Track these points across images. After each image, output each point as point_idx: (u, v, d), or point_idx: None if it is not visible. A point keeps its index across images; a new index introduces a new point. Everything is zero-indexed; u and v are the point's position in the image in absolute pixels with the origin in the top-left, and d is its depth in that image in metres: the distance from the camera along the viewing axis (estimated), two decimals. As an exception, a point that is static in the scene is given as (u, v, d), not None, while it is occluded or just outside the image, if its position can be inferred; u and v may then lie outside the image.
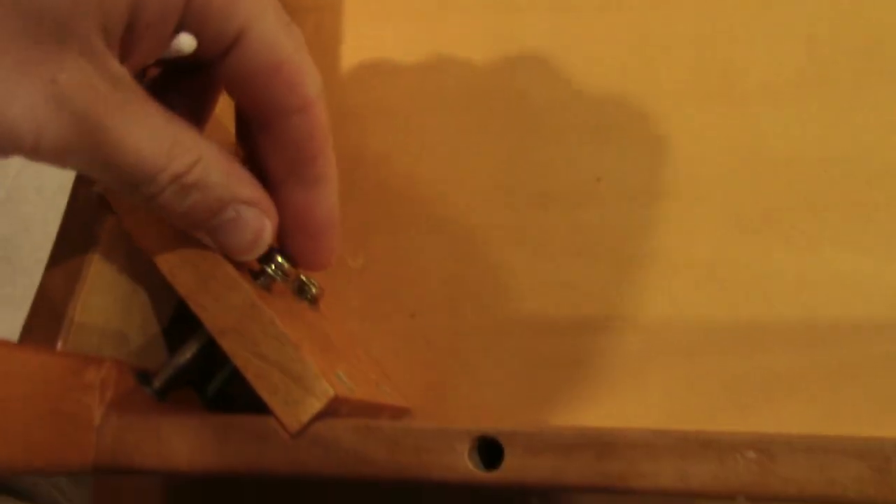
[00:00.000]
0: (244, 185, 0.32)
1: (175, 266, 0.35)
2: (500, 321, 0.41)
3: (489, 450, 0.32)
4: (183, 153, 0.30)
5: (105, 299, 0.36)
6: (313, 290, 0.40)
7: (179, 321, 0.40)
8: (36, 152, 0.27)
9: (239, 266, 0.36)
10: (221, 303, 0.34)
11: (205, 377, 0.41)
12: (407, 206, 0.43)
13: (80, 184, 0.37)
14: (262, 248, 0.34)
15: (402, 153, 0.44)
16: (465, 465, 0.31)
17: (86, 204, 0.36)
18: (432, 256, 0.42)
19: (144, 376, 0.36)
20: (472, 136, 0.43)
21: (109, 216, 0.36)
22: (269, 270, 0.36)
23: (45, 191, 1.37)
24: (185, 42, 0.31)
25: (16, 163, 1.39)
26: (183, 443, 0.33)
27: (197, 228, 0.33)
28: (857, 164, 0.39)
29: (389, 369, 0.41)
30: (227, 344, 0.34)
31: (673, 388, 0.38)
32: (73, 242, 0.36)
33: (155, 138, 0.29)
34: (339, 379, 0.35)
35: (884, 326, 0.37)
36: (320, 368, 0.33)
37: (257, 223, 0.33)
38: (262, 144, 0.35)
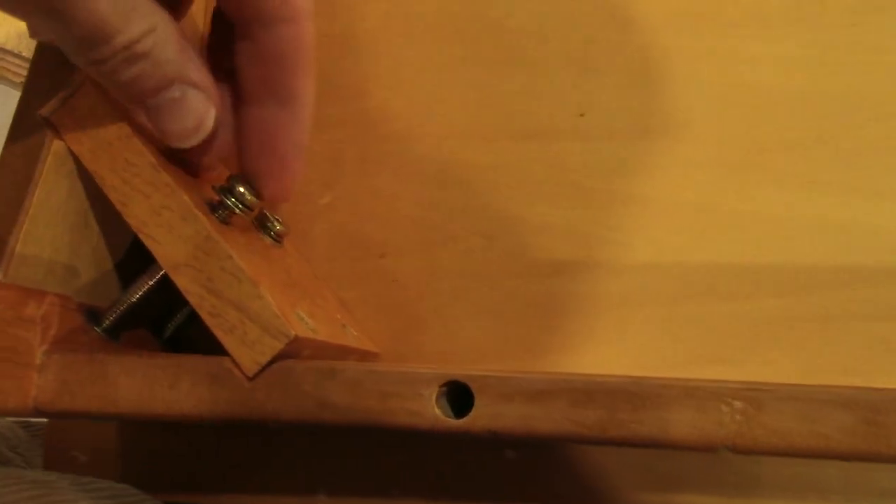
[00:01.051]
0: (194, 67, 0.31)
1: (126, 195, 0.33)
2: (475, 263, 0.38)
3: (458, 396, 0.30)
4: (139, 19, 0.29)
5: (51, 230, 0.33)
6: (277, 227, 0.37)
7: (135, 255, 0.38)
8: None
9: (195, 197, 0.33)
10: (175, 235, 0.32)
11: (162, 317, 0.39)
12: (378, 141, 0.41)
13: (25, 106, 0.34)
14: (201, 136, 0.32)
15: (374, 85, 0.41)
16: (432, 412, 0.29)
17: (30, 127, 0.34)
18: (404, 194, 0.40)
19: (93, 314, 0.34)
20: (448, 68, 0.40)
21: (56, 139, 0.34)
22: (229, 202, 0.34)
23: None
24: None
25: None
26: (131, 385, 0.30)
27: (137, 103, 0.31)
28: (849, 103, 0.37)
29: (357, 312, 0.39)
30: (181, 280, 0.32)
31: (654, 336, 0.36)
32: (15, 167, 0.33)
33: (111, 2, 0.28)
34: (301, 319, 0.33)
35: (873, 271, 0.35)
36: (280, 307, 0.31)
37: (202, 108, 0.31)
38: (239, 53, 0.33)
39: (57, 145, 0.34)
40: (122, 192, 0.33)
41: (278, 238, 0.37)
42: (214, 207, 0.34)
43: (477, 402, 0.29)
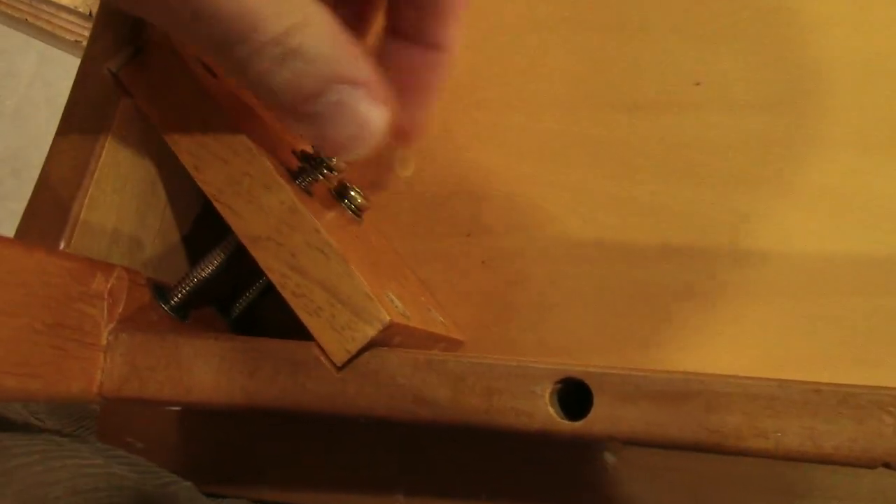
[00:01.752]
0: (355, 63, 0.27)
1: (201, 159, 0.29)
2: (575, 245, 0.35)
3: (572, 395, 0.26)
4: (290, 11, 0.25)
5: (117, 196, 0.30)
6: (358, 200, 0.34)
7: (203, 226, 0.35)
8: None
9: (278, 163, 0.30)
10: (255, 205, 0.29)
11: (230, 295, 0.36)
12: (468, 109, 0.37)
13: (91, 61, 0.31)
14: (367, 147, 0.27)
15: (464, 47, 0.38)
16: (545, 412, 0.26)
17: (97, 84, 0.31)
18: (495, 168, 0.36)
19: (161, 290, 0.31)
20: (549, 30, 0.37)
21: (124, 98, 0.31)
22: (314, 169, 0.30)
23: (56, 102, 1.32)
24: None
25: (27, 73, 1.34)
26: (207, 370, 0.27)
27: (291, 113, 0.27)
28: None
29: (440, 295, 0.36)
30: (261, 255, 0.29)
31: (779, 333, 0.32)
32: (80, 129, 0.30)
33: None
34: (392, 301, 0.29)
35: None
36: (373, 288, 0.28)
37: (366, 112, 0.27)
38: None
39: (125, 104, 0.31)
40: (197, 157, 0.30)
41: (359, 212, 0.34)
42: (296, 174, 0.30)
43: (596, 402, 0.26)
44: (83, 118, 0.30)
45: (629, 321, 0.34)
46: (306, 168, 0.30)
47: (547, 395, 0.26)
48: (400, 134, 0.32)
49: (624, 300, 0.34)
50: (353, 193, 0.34)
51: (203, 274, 0.31)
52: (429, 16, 0.31)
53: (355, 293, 0.28)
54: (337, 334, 0.28)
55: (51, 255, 0.25)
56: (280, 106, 0.27)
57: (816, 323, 0.32)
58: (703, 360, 0.33)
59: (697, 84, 0.35)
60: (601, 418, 0.26)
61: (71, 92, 0.31)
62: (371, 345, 0.27)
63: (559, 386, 0.26)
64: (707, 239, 0.34)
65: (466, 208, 0.36)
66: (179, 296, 0.31)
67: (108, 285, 0.28)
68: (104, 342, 0.27)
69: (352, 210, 0.34)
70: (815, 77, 0.34)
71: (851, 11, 0.34)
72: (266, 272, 0.29)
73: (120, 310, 0.28)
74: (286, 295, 0.28)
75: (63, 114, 0.31)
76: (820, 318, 0.32)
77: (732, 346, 0.33)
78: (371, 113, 0.27)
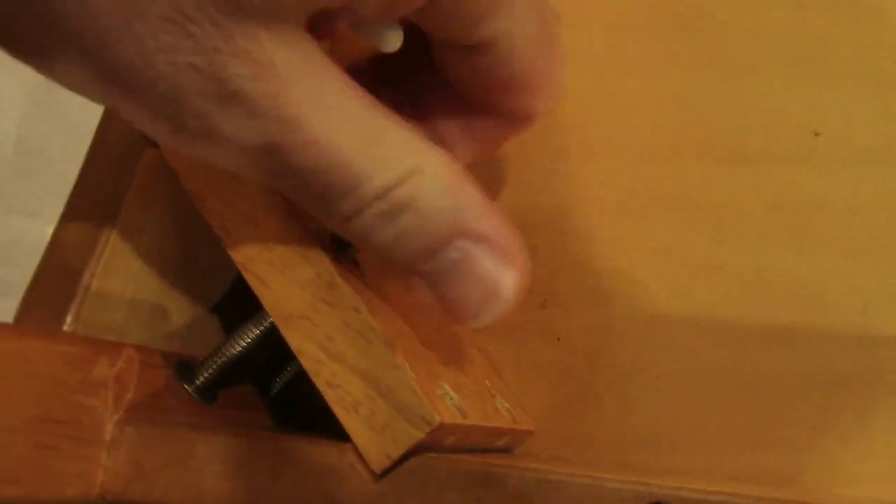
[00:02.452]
0: (479, 212, 0.23)
1: (230, 220, 0.26)
2: (665, 321, 0.30)
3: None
4: (397, 158, 0.22)
5: (137, 262, 0.27)
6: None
7: (242, 293, 0.31)
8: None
9: (319, 227, 0.26)
10: (289, 277, 0.25)
11: (269, 370, 0.31)
12: (543, 156, 0.32)
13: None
14: (496, 311, 0.23)
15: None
16: (628, 546, 0.21)
17: (119, 134, 0.27)
18: (573, 228, 0.31)
19: (185, 368, 0.27)
20: (641, 69, 0.32)
21: (149, 149, 0.27)
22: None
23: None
24: (391, 38, 0.23)
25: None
26: (222, 474, 0.23)
27: (407, 270, 0.23)
28: None
29: (508, 376, 0.31)
30: (293, 335, 0.25)
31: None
32: (98, 183, 0.27)
33: (358, 135, 0.21)
34: (446, 395, 0.25)
35: None
36: (422, 382, 0.23)
37: (493, 271, 0.23)
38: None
39: (150, 156, 0.27)
40: (225, 218, 0.26)
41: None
42: (341, 244, 0.26)
43: (692, 536, 0.21)
44: (102, 171, 0.27)
45: (728, 416, 0.28)
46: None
47: (630, 524, 0.21)
48: (536, 106, 0.27)
49: (723, 390, 0.29)
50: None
51: (233, 351, 0.27)
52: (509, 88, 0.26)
53: (400, 386, 0.23)
54: (376, 435, 0.23)
55: (43, 339, 0.21)
56: (397, 266, 0.23)
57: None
58: (821, 469, 0.27)
59: (816, 134, 0.29)
60: (698, 557, 0.21)
61: (92, 142, 0.28)
62: (417, 449, 0.23)
63: (646, 512, 0.21)
64: (826, 320, 0.28)
65: (541, 275, 0.31)
66: (206, 375, 0.27)
67: (115, 370, 0.24)
68: (108, 437, 0.24)
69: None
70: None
71: None
72: (298, 356, 0.24)
73: (129, 396, 0.24)
74: (320, 385, 0.24)
75: (83, 166, 0.27)
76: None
77: (856, 452, 0.27)
78: (500, 272, 0.22)
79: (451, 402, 0.25)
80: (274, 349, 0.28)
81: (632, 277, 0.31)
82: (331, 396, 0.24)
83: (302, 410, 0.31)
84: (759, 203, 0.30)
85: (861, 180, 0.29)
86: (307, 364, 0.24)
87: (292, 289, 0.25)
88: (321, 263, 0.24)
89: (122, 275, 0.26)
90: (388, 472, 0.23)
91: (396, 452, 0.23)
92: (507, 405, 0.29)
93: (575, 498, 0.21)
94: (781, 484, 0.28)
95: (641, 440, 0.29)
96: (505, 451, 0.29)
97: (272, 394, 0.31)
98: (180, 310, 0.28)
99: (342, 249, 0.26)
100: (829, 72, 0.30)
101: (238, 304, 0.30)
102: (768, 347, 0.29)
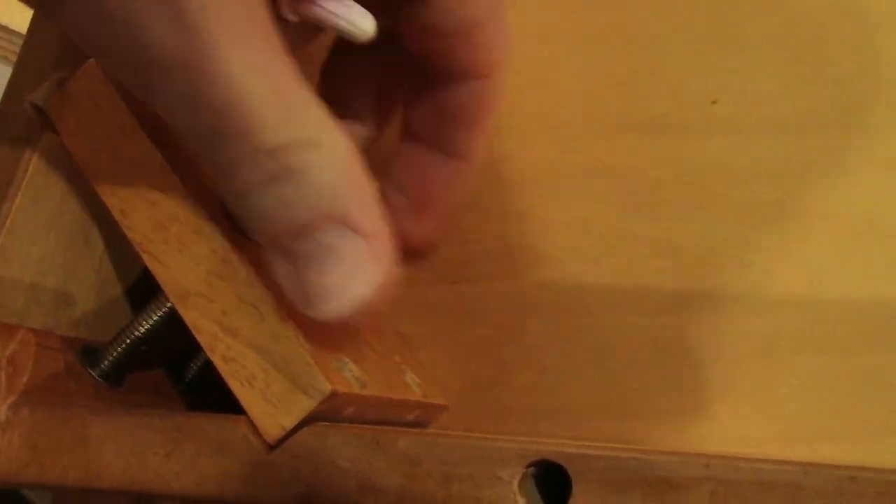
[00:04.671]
0: (364, 205, 0.22)
1: (128, 202, 0.26)
2: (577, 292, 0.30)
3: (551, 479, 0.22)
4: (301, 124, 0.21)
5: (37, 247, 0.27)
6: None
7: (149, 279, 0.31)
8: None
9: (216, 206, 0.26)
10: (185, 255, 0.25)
11: (182, 356, 0.31)
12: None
13: (13, 91, 0.28)
14: (347, 308, 0.22)
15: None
16: (514, 503, 0.21)
17: (18, 116, 0.27)
18: (482, 204, 0.32)
19: (91, 353, 0.27)
20: (546, 43, 0.32)
21: (48, 134, 0.27)
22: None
23: None
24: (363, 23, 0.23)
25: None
26: (117, 453, 0.23)
27: (272, 243, 0.22)
28: None
29: (422, 353, 0.31)
30: (189, 313, 0.25)
31: (816, 396, 0.27)
32: (-4, 169, 0.27)
33: (271, 89, 0.20)
34: (343, 366, 0.25)
35: None
36: (315, 352, 0.24)
37: (362, 268, 0.22)
38: (412, 97, 0.27)
39: (48, 140, 0.27)
40: (123, 199, 0.26)
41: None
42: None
43: (576, 491, 0.21)
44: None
45: (637, 381, 0.29)
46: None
47: (516, 483, 0.21)
48: (408, 245, 0.28)
49: (634, 358, 0.29)
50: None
51: (137, 333, 0.27)
52: (452, 123, 0.27)
53: (293, 358, 0.23)
54: (271, 407, 0.23)
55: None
56: (260, 230, 0.22)
57: (858, 383, 0.26)
58: (723, 431, 0.28)
59: (714, 103, 0.30)
60: (584, 512, 0.21)
61: (-10, 129, 0.28)
62: (311, 419, 0.23)
63: (532, 470, 0.22)
64: (729, 284, 0.29)
65: (452, 252, 0.32)
66: (109, 359, 0.27)
67: (8, 351, 0.24)
68: (2, 419, 0.23)
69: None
70: (855, 90, 0.28)
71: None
72: (194, 333, 0.24)
73: (25, 379, 0.24)
74: (215, 360, 0.24)
75: (-20, 154, 0.27)
76: (862, 376, 0.26)
77: (758, 413, 0.27)
78: (365, 272, 0.22)
79: (349, 373, 0.25)
80: (185, 334, 0.28)
81: (543, 250, 0.31)
82: (226, 371, 0.24)
83: (215, 396, 0.31)
84: (665, 172, 0.30)
85: (760, 147, 0.29)
86: (203, 340, 0.24)
87: (188, 266, 0.25)
88: (215, 239, 0.25)
89: (20, 261, 0.26)
90: (281, 442, 0.23)
91: (290, 423, 0.23)
92: (417, 380, 0.29)
93: (463, 458, 0.21)
94: (686, 447, 0.28)
95: (556, 410, 0.30)
96: (417, 425, 0.29)
97: (186, 380, 0.31)
98: (86, 296, 0.28)
99: (239, 225, 0.26)
100: (726, 41, 0.30)
101: (148, 288, 0.30)
102: (676, 314, 0.29)
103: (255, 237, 0.23)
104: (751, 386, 0.28)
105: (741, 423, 0.28)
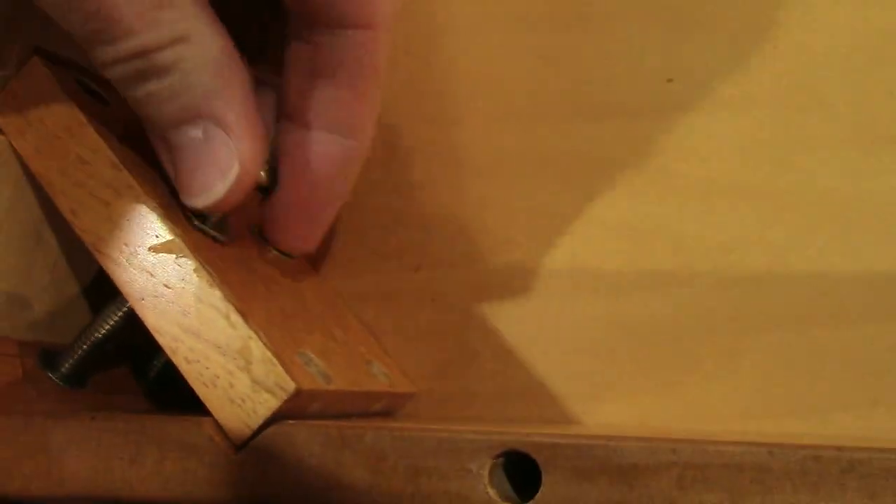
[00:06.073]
0: (233, 101, 0.23)
1: (78, 201, 0.25)
2: (539, 276, 0.30)
3: (520, 469, 0.22)
4: (165, 22, 0.22)
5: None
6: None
7: (105, 277, 0.30)
8: None
9: (170, 203, 0.25)
10: (141, 255, 0.24)
11: (144, 353, 0.31)
12: (411, 123, 0.32)
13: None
14: (218, 201, 0.23)
15: (404, 53, 0.33)
16: (484, 495, 0.21)
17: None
18: (444, 191, 0.32)
19: (49, 357, 0.27)
20: (499, 29, 0.32)
21: (-6, 135, 0.26)
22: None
23: None
24: None
25: None
26: (80, 459, 0.23)
27: (154, 134, 0.24)
28: None
29: (387, 341, 0.31)
30: (148, 315, 0.24)
31: (782, 372, 0.27)
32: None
33: None
34: (308, 361, 0.25)
35: None
36: (278, 348, 0.23)
37: (228, 162, 0.23)
38: (287, 55, 0.26)
39: (-3, 141, 0.26)
40: (72, 198, 0.25)
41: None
42: (199, 215, 0.26)
43: (545, 480, 0.21)
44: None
45: (606, 363, 0.29)
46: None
47: (486, 474, 0.21)
48: (283, 244, 0.28)
49: (598, 339, 0.29)
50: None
51: (97, 335, 0.27)
52: (333, 86, 0.25)
53: (256, 356, 0.23)
54: (236, 408, 0.23)
55: None
56: (143, 121, 0.24)
57: (824, 358, 0.27)
58: (690, 409, 0.28)
59: (669, 81, 0.30)
60: (552, 500, 0.21)
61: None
62: (277, 417, 0.23)
63: (500, 460, 0.22)
64: (691, 262, 0.29)
65: (413, 238, 0.32)
66: (69, 362, 0.27)
67: (-38, 361, 0.23)
68: (-41, 430, 0.23)
69: (278, 249, 0.29)
70: (806, 67, 0.29)
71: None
72: (154, 335, 0.24)
73: (-18, 388, 0.24)
74: (178, 362, 0.24)
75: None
76: (828, 351, 0.27)
77: (725, 390, 0.28)
78: (233, 166, 0.23)
79: (314, 368, 0.25)
80: (146, 332, 0.28)
81: (504, 235, 0.31)
82: (189, 372, 0.24)
83: (179, 392, 0.30)
84: (623, 154, 0.30)
85: (715, 126, 0.29)
86: (164, 342, 0.24)
87: (144, 267, 0.24)
88: (172, 239, 0.24)
89: (-28, 265, 0.26)
90: (247, 443, 0.23)
91: (256, 422, 0.23)
92: (384, 370, 0.29)
93: (429, 451, 0.21)
94: (652, 428, 0.28)
95: (521, 393, 0.30)
96: (385, 414, 0.29)
97: (149, 377, 0.31)
98: (41, 297, 0.28)
99: (198, 220, 0.26)
100: (680, 20, 0.30)
101: (107, 287, 0.29)
102: (639, 294, 0.29)
103: (141, 122, 0.24)
104: (714, 363, 0.28)
105: (706, 399, 0.28)
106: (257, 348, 0.23)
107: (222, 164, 0.23)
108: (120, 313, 0.27)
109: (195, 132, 0.23)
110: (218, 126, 0.23)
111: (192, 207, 0.24)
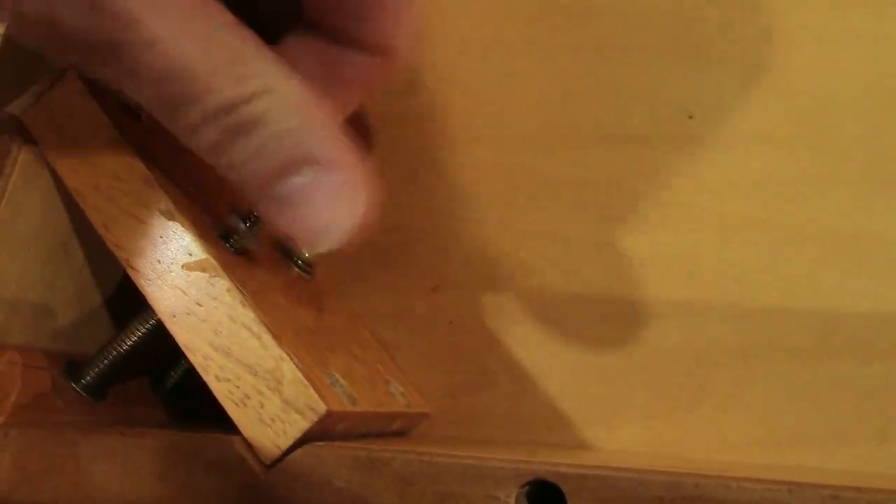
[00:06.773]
0: (326, 139, 0.22)
1: (111, 217, 0.25)
2: (554, 302, 0.31)
3: (545, 496, 0.22)
4: (246, 75, 0.21)
5: (17, 261, 0.26)
6: (306, 254, 0.30)
7: (128, 289, 0.31)
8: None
9: (202, 220, 0.26)
10: (174, 273, 0.25)
11: (163, 363, 0.31)
12: (431, 145, 0.33)
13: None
14: (339, 237, 0.22)
15: (425, 75, 0.33)
16: (511, 522, 0.22)
17: (-5, 128, 0.27)
18: (461, 212, 0.32)
19: (73, 367, 0.27)
20: (520, 54, 0.32)
21: (27, 145, 0.27)
22: (243, 226, 0.26)
23: None
24: None
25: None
26: (110, 474, 0.23)
27: (257, 195, 0.22)
28: None
29: (403, 360, 0.32)
30: (179, 332, 0.25)
31: (790, 405, 0.28)
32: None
33: (206, 47, 0.21)
34: (335, 383, 0.25)
35: None
36: (308, 370, 0.24)
37: (344, 197, 0.22)
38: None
39: (28, 153, 0.27)
40: (105, 214, 0.25)
41: (308, 268, 0.30)
42: (229, 232, 0.26)
43: (571, 509, 0.22)
44: (-25, 171, 0.26)
45: (619, 389, 0.30)
46: (239, 225, 0.26)
47: (512, 502, 0.22)
48: (386, 47, 0.26)
49: (612, 365, 0.30)
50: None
51: (121, 348, 0.27)
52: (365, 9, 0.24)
53: (287, 377, 0.23)
54: (266, 427, 0.23)
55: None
56: (239, 184, 0.22)
57: (832, 391, 0.28)
58: (701, 437, 0.29)
59: (690, 117, 0.30)
60: (578, 529, 0.22)
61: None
62: (307, 438, 0.23)
63: (526, 489, 0.22)
64: (704, 293, 0.29)
65: (430, 258, 0.32)
66: (93, 373, 0.27)
67: (-5, 373, 0.24)
68: (-10, 441, 0.23)
69: (299, 267, 0.30)
70: (820, 107, 0.29)
71: (865, 29, 0.29)
72: (185, 352, 0.24)
73: (13, 399, 0.24)
74: (209, 380, 0.24)
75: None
76: (836, 385, 0.28)
77: (734, 419, 0.28)
78: (347, 199, 0.22)
79: (340, 389, 0.25)
80: (166, 342, 0.28)
81: (521, 260, 0.31)
82: (220, 391, 0.24)
83: (197, 403, 0.31)
84: (641, 184, 0.31)
85: (733, 160, 0.30)
86: (195, 360, 0.24)
87: (177, 284, 0.25)
88: (205, 258, 0.24)
89: (1, 276, 0.26)
90: (277, 462, 0.23)
91: (286, 443, 0.23)
92: (401, 389, 0.30)
93: (457, 478, 0.22)
94: (665, 455, 0.29)
95: (534, 418, 0.30)
96: (400, 433, 0.30)
97: (167, 387, 0.31)
98: (66, 307, 0.28)
99: (229, 241, 0.26)
100: (698, 56, 0.31)
101: (129, 298, 0.29)
102: (654, 322, 0.30)
103: (244, 194, 0.23)
104: (724, 392, 0.29)
105: (717, 427, 0.29)
106: (289, 369, 0.23)
107: (340, 201, 0.22)
108: (145, 327, 0.27)
109: (300, 179, 0.22)
110: (320, 164, 0.22)
111: (322, 250, 0.22)
